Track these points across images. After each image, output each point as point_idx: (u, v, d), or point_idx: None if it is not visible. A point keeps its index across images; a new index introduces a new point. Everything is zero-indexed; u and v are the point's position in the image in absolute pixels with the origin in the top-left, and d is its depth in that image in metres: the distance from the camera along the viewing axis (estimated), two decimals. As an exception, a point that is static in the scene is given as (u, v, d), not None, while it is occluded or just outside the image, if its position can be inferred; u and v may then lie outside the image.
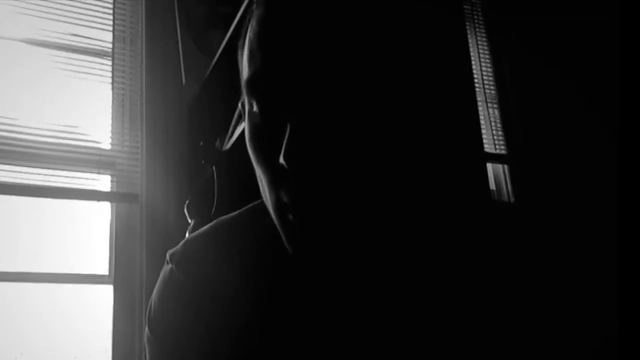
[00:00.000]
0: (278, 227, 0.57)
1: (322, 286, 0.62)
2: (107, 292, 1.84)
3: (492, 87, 2.44)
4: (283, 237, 0.57)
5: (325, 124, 0.53)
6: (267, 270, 0.64)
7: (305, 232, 0.55)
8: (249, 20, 0.60)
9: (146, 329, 0.68)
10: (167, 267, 0.68)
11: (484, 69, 2.44)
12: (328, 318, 0.61)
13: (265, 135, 0.56)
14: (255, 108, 0.57)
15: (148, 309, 0.69)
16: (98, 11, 2.04)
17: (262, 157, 0.57)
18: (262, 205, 0.66)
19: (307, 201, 0.54)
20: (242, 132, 1.45)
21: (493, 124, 2.37)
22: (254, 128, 0.58)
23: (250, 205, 0.71)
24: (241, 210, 0.71)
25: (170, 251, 0.69)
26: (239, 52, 0.63)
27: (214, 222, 0.71)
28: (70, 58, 1.95)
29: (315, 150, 0.52)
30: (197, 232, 0.71)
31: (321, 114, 0.54)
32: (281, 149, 0.52)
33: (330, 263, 0.60)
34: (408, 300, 0.61)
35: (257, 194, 0.71)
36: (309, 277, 0.62)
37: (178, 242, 0.70)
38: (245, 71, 0.59)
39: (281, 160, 0.52)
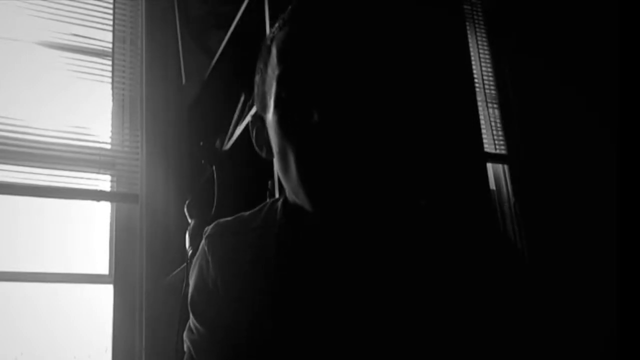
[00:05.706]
0: (300, 185, 0.62)
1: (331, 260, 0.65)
2: (107, 292, 1.85)
3: (492, 87, 2.44)
4: (304, 194, 0.62)
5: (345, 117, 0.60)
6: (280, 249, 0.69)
7: (328, 185, 0.61)
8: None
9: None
10: (202, 242, 0.77)
11: (484, 69, 2.44)
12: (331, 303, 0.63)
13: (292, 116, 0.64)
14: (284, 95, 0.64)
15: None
16: (98, 11, 2.04)
17: (289, 133, 0.64)
18: (272, 204, 0.73)
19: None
20: (242, 132, 1.45)
21: (493, 124, 2.37)
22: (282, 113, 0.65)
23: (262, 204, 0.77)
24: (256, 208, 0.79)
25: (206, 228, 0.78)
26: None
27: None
28: (70, 58, 1.95)
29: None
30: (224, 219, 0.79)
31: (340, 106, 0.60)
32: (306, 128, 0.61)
33: (345, 217, 0.65)
34: (408, 296, 0.61)
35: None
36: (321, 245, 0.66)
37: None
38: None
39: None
